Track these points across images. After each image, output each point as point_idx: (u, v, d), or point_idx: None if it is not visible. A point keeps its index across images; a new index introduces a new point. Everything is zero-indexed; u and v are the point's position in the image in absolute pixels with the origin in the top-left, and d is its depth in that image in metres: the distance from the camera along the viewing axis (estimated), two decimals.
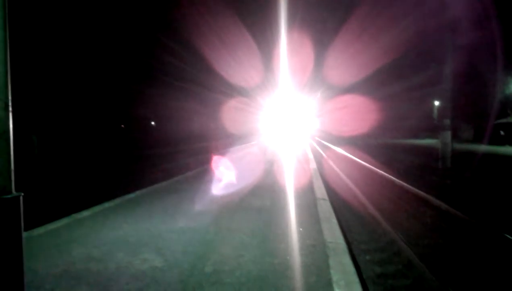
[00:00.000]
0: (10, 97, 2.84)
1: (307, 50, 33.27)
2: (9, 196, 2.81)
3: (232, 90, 30.33)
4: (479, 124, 38.46)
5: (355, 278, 4.19)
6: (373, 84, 39.42)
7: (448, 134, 19.43)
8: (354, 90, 41.47)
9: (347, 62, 37.04)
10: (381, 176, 16.04)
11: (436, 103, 40.06)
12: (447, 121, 19.98)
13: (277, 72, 34.83)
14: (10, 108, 2.84)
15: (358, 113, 42.55)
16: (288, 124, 40.27)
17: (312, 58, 35.50)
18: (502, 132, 35.29)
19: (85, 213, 7.55)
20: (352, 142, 39.10)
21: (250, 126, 36.47)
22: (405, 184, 13.26)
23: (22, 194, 2.88)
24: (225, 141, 27.96)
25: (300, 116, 45.62)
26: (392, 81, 37.66)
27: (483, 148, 29.27)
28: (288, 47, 30.76)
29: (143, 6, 24.66)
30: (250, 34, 26.61)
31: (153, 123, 37.22)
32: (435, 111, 40.96)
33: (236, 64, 28.01)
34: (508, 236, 7.11)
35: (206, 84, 28.41)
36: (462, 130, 39.28)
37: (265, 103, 37.25)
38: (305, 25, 31.06)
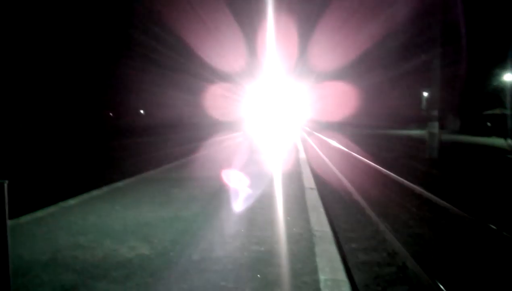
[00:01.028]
0: None
1: (294, 35, 32.99)
2: None
3: (215, 76, 29.87)
4: (466, 116, 38.95)
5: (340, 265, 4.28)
6: (362, 72, 39.54)
7: (435, 125, 19.64)
8: (342, 77, 41.46)
9: (334, 47, 36.90)
10: (368, 165, 16.24)
11: (425, 94, 40.45)
12: (435, 112, 20.18)
13: (263, 57, 34.52)
14: None
15: (345, 101, 42.67)
16: (275, 112, 39.92)
17: (298, 43, 35.24)
18: (489, 124, 35.85)
19: (72, 201, 7.54)
20: (339, 130, 39.33)
21: (235, 115, 36.10)
22: (391, 174, 13.43)
23: (7, 181, 2.88)
24: (208, 131, 27.48)
25: (287, 104, 45.24)
26: (381, 69, 37.83)
27: (470, 139, 29.68)
28: (274, 31, 30.48)
29: None
30: (234, 17, 26.36)
31: (142, 111, 36.89)
32: (424, 102, 41.36)
33: (220, 48, 27.64)
34: (492, 226, 7.28)
35: (187, 69, 28.01)
36: (450, 121, 39.78)
37: (251, 90, 36.91)
38: (291, 8, 30.88)
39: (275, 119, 39.60)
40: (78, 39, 22.63)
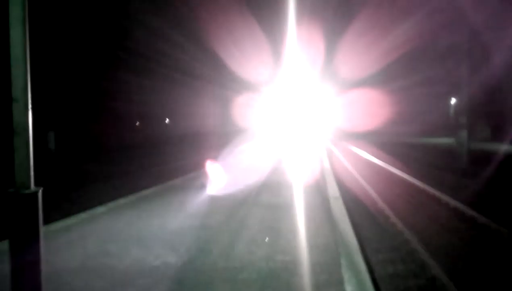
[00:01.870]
0: (30, 98, 2.94)
1: (320, 41, 32.83)
2: (28, 191, 2.91)
3: (241, 86, 29.94)
4: (497, 123, 37.70)
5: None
6: (388, 80, 38.88)
7: (464, 133, 19.13)
8: (368, 84, 40.87)
9: (361, 53, 36.43)
10: (393, 174, 15.97)
11: (453, 100, 39.46)
12: (463, 119, 19.67)
13: (288, 65, 34.42)
14: (30, 108, 2.94)
15: (371, 109, 42.01)
16: (300, 121, 39.55)
17: (323, 51, 35.02)
18: None
19: (101, 209, 7.71)
20: (364, 138, 38.77)
21: (259, 123, 35.90)
22: (419, 183, 13.15)
23: (41, 189, 2.98)
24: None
25: (312, 112, 44.80)
26: (408, 76, 37.04)
27: (502, 147, 28.69)
28: (300, 37, 30.43)
29: (155, 3, 24.93)
30: (260, 26, 26.47)
31: (167, 121, 37.39)
32: (452, 109, 40.34)
33: (246, 57, 27.78)
34: None
35: (213, 79, 28.26)
36: (480, 129, 38.57)
37: (276, 99, 36.73)
38: (318, 13, 30.84)
39: (300, 127, 39.40)
40: (106, 53, 23.32)
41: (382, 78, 39.59)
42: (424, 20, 26.99)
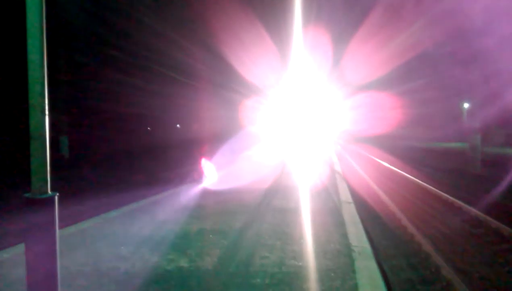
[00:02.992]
0: (46, 103, 2.98)
1: (326, 46, 32.67)
2: (45, 196, 2.94)
3: (248, 89, 29.75)
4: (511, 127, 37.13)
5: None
6: (396, 83, 38.54)
7: (477, 138, 18.88)
8: (377, 87, 40.58)
9: (370, 56, 36.17)
10: (406, 178, 15.81)
11: (466, 105, 39.03)
12: (476, 124, 19.43)
13: (296, 68, 34.25)
14: (47, 113, 2.97)
15: (381, 113, 41.71)
16: (308, 123, 39.13)
17: (331, 54, 34.79)
18: None
19: (114, 213, 7.76)
20: (374, 143, 38.47)
21: (267, 126, 35.54)
22: (431, 188, 13.00)
23: (57, 194, 3.01)
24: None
25: (320, 115, 44.37)
26: (419, 80, 36.69)
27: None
28: (305, 43, 30.34)
29: (162, 8, 25.08)
30: (266, 31, 26.41)
31: (178, 125, 37.44)
32: (464, 113, 39.89)
33: (254, 61, 27.66)
34: None
35: (221, 83, 28.15)
36: (493, 133, 38.04)
37: (284, 102, 36.44)
38: (322, 19, 30.73)
39: (308, 131, 39.11)
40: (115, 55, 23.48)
41: (390, 82, 39.31)
42: (435, 23, 26.78)
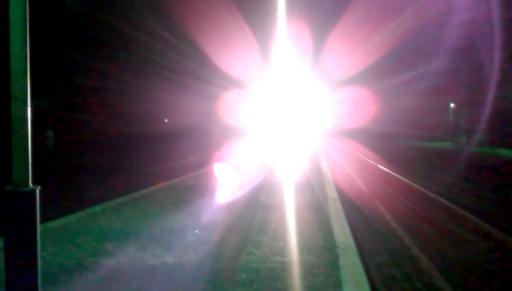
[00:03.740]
0: (29, 94, 2.93)
1: (309, 40, 32.20)
2: (26, 189, 2.90)
3: (230, 83, 29.16)
4: (495, 128, 37.71)
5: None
6: (381, 78, 38.36)
7: (462, 137, 19.18)
8: (356, 83, 40.29)
9: (350, 51, 35.67)
10: (388, 174, 15.98)
11: (452, 105, 39.52)
12: (462, 124, 19.73)
13: (277, 63, 33.75)
14: (29, 105, 2.92)
15: (362, 108, 41.53)
16: (289, 118, 38.77)
17: (312, 49, 34.27)
18: None
19: (98, 208, 7.69)
20: (359, 140, 38.62)
21: (249, 121, 34.86)
22: (416, 185, 13.16)
23: (39, 187, 2.97)
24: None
25: (302, 110, 44.14)
26: (405, 77, 36.63)
27: (498, 151, 28.78)
28: (288, 36, 29.98)
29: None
30: (248, 24, 26.10)
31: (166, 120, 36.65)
32: (451, 113, 40.41)
33: (235, 55, 27.21)
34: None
35: (201, 76, 27.60)
36: (478, 133, 38.65)
37: (265, 96, 35.93)
38: (306, 14, 30.51)
39: (289, 125, 38.84)
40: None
41: (370, 77, 39.12)
42: (417, 16, 26.75)
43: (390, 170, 17.67)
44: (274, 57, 32.90)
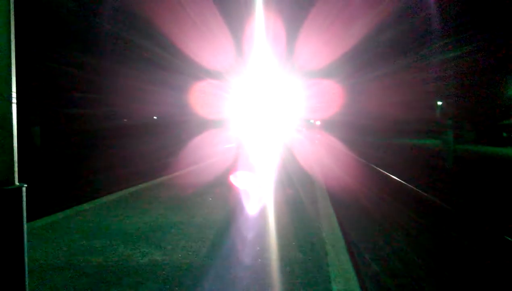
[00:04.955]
0: (14, 89, 2.86)
1: (283, 31, 31.40)
2: (12, 187, 2.84)
3: (204, 73, 28.17)
4: (482, 126, 38.32)
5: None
6: (365, 72, 38.05)
7: (450, 135, 19.40)
8: (331, 76, 39.88)
9: (327, 42, 34.89)
10: (381, 173, 16.10)
11: (439, 103, 39.80)
12: (449, 121, 19.96)
13: (252, 54, 32.78)
14: (14, 100, 2.86)
15: (337, 101, 41.19)
16: (265, 111, 38.19)
17: (285, 40, 33.51)
18: (504, 134, 35.33)
19: (86, 206, 7.61)
20: (331, 130, 38.52)
21: (224, 113, 33.97)
22: (404, 183, 13.26)
23: (25, 185, 2.91)
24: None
25: (278, 102, 43.52)
26: (392, 73, 36.48)
27: (485, 149, 29.27)
28: (262, 28, 29.21)
29: None
30: (222, 14, 25.48)
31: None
32: (438, 110, 40.75)
33: (209, 46, 26.49)
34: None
35: (174, 66, 26.84)
36: (465, 131, 39.18)
37: (241, 88, 35.19)
38: (280, 5, 29.96)
39: (266, 118, 38.39)
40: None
41: (352, 70, 38.81)
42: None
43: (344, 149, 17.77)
44: (247, 48, 32.10)
